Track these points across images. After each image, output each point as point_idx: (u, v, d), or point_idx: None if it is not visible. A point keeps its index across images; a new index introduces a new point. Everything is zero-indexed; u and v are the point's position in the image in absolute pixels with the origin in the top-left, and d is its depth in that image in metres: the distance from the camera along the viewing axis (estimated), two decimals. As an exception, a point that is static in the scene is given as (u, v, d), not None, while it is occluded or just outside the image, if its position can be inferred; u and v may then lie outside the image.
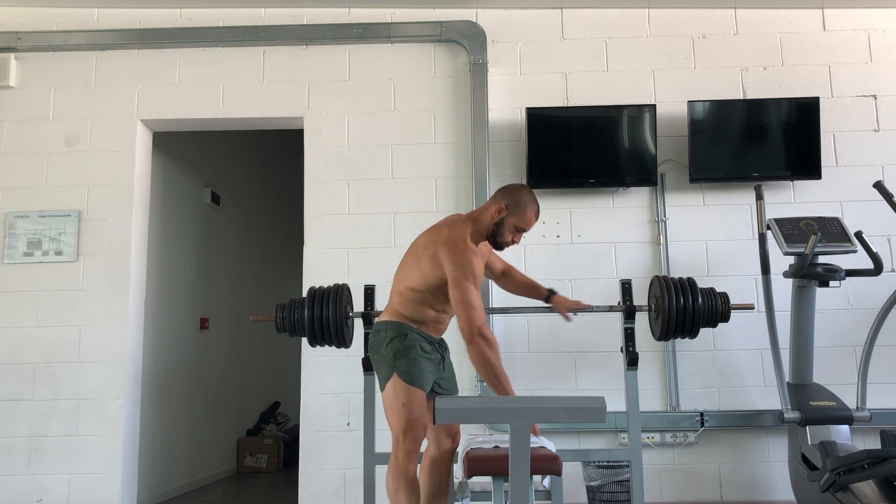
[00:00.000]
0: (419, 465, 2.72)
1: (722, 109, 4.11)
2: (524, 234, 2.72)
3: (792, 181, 4.10)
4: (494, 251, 2.87)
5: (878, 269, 3.43)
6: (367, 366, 2.92)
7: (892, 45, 4.26)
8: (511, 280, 3.07)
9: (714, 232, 4.11)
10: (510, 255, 3.15)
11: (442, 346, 2.79)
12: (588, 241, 4.11)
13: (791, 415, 3.38)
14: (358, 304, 3.08)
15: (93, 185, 4.19)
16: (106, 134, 4.25)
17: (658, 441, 3.94)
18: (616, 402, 3.24)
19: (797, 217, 3.56)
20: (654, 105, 4.11)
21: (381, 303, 3.05)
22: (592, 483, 3.68)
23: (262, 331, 5.89)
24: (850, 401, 3.49)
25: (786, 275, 3.49)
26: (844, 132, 4.16)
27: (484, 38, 4.23)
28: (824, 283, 3.39)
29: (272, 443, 5.89)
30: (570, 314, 3.02)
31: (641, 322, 3.05)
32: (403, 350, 2.59)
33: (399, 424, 2.58)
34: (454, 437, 2.75)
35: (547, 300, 3.05)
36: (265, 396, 6.34)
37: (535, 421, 2.12)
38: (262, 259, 6.48)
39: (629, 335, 2.92)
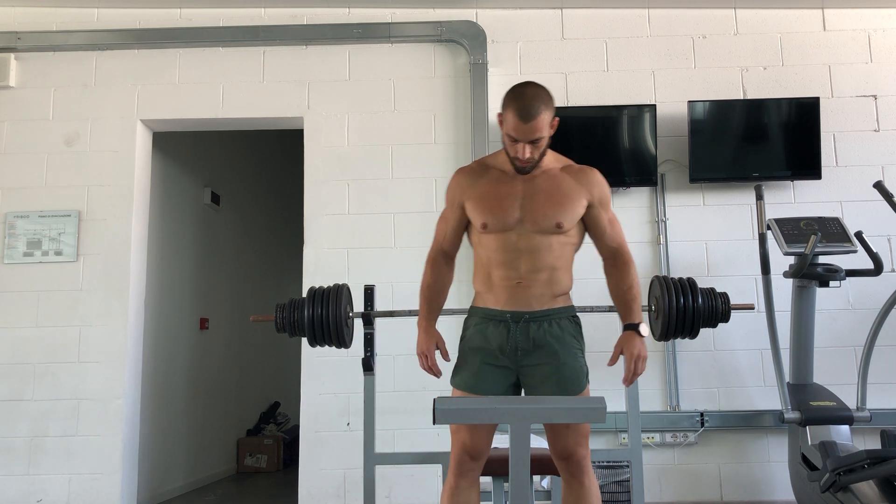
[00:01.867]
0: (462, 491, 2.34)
1: (722, 109, 4.11)
2: (530, 147, 2.23)
3: (792, 181, 4.10)
4: (604, 208, 2.36)
5: (878, 269, 3.43)
6: (367, 366, 2.92)
7: (892, 45, 4.26)
8: (614, 277, 2.44)
9: (714, 232, 4.11)
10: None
11: (521, 321, 2.28)
12: (588, 241, 4.09)
13: (791, 415, 3.38)
14: (358, 304, 3.08)
15: (93, 185, 4.19)
16: (106, 134, 4.25)
17: (658, 441, 3.94)
18: (616, 402, 3.23)
19: (797, 217, 3.56)
20: (654, 105, 4.11)
21: (380, 303, 3.05)
22: (592, 483, 3.68)
23: (262, 331, 5.89)
24: (850, 401, 3.49)
25: (786, 275, 3.49)
26: (844, 132, 4.16)
27: (484, 38, 4.23)
28: (824, 283, 3.39)
29: (272, 443, 5.89)
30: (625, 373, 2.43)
31: (641, 322, 3.04)
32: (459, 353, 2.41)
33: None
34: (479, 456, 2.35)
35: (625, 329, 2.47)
36: (265, 396, 6.34)
37: (536, 421, 2.12)
38: (261, 259, 6.48)
39: (629, 335, 2.91)
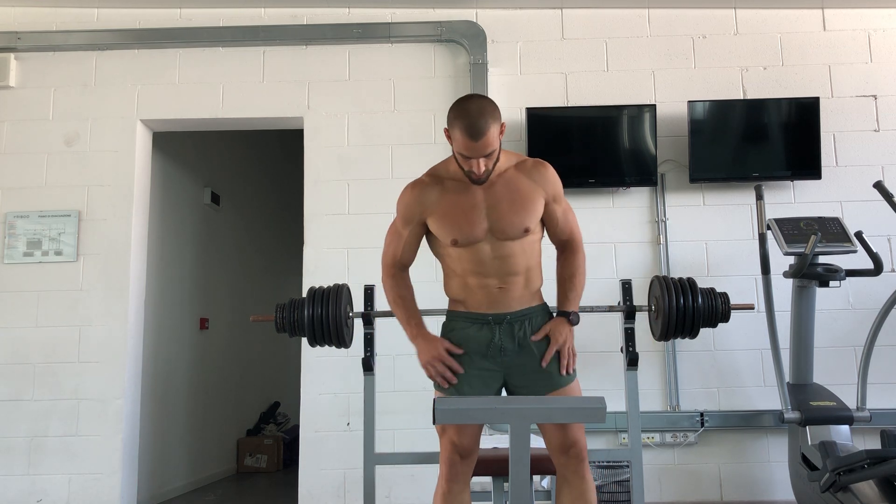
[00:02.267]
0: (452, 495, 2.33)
1: (722, 109, 4.11)
2: (483, 160, 2.18)
3: (792, 181, 4.10)
4: (558, 202, 2.36)
5: (878, 269, 3.43)
6: (367, 366, 2.92)
7: (892, 45, 4.26)
8: (560, 264, 2.47)
9: (714, 232, 4.11)
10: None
11: (503, 322, 2.29)
12: (588, 241, 3.98)
13: (791, 415, 3.38)
14: (358, 304, 3.07)
15: (93, 185, 4.19)
16: (106, 134, 4.25)
17: (658, 441, 3.94)
18: (616, 402, 3.23)
19: (797, 217, 3.56)
20: (654, 105, 4.11)
21: (380, 303, 3.05)
22: (592, 483, 3.68)
23: (262, 331, 5.89)
24: (850, 401, 3.49)
25: (786, 275, 3.49)
26: (844, 132, 4.16)
27: (484, 38, 4.23)
28: (824, 283, 3.39)
29: (272, 443, 5.89)
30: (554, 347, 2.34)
31: (641, 322, 3.04)
32: None
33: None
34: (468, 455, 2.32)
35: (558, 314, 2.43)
36: (265, 396, 6.34)
37: (536, 421, 2.12)
38: (261, 259, 6.48)
39: (629, 335, 2.91)
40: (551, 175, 2.35)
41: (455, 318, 2.39)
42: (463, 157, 2.20)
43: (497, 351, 2.32)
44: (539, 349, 2.33)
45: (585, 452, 2.31)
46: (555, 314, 2.42)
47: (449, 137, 2.23)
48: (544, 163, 2.36)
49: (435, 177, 2.36)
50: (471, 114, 2.16)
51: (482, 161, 2.19)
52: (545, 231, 2.44)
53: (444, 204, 2.31)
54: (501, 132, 2.23)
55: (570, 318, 2.38)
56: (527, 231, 2.29)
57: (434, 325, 2.46)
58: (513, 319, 2.32)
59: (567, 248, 2.44)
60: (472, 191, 2.28)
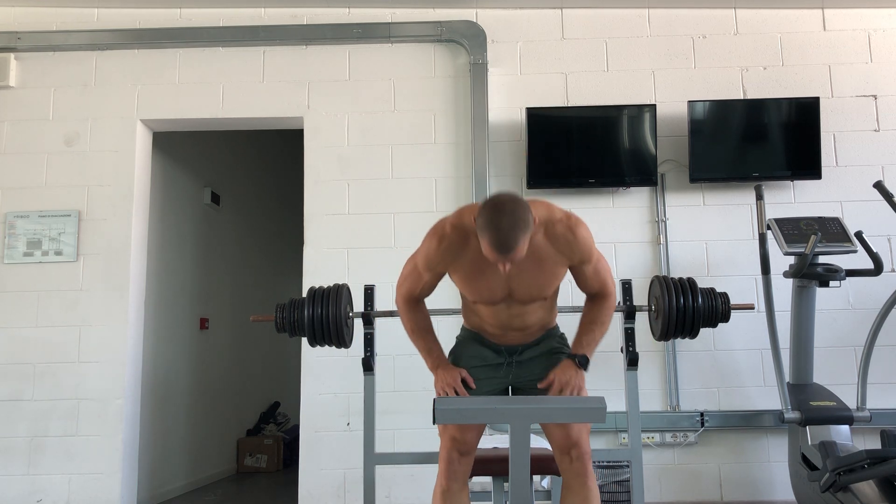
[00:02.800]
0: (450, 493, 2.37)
1: (722, 109, 4.11)
2: (510, 262, 2.10)
3: (792, 181, 4.10)
4: (587, 262, 2.33)
5: (878, 269, 3.43)
6: (367, 366, 2.92)
7: (892, 45, 4.26)
8: (587, 307, 2.47)
9: (714, 232, 4.11)
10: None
11: (515, 352, 2.41)
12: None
13: (791, 415, 3.38)
14: (358, 304, 3.07)
15: (93, 185, 4.19)
16: (106, 134, 4.25)
17: (658, 441, 3.94)
18: (616, 402, 3.22)
19: (797, 217, 3.56)
20: (654, 105, 4.11)
21: (380, 303, 3.06)
22: (592, 483, 3.68)
23: (262, 331, 5.89)
24: (850, 401, 3.49)
25: (786, 275, 3.49)
26: (844, 132, 4.16)
27: (484, 38, 4.23)
28: (824, 283, 3.39)
29: (272, 443, 5.89)
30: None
31: (641, 322, 3.05)
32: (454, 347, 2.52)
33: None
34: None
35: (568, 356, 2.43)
36: (265, 396, 6.34)
37: (536, 421, 2.12)
38: (261, 259, 6.48)
39: (629, 335, 2.91)
40: (581, 242, 2.25)
41: (469, 335, 2.49)
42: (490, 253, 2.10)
43: (505, 368, 2.43)
44: (550, 349, 2.44)
45: (588, 457, 2.29)
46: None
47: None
48: (574, 228, 2.24)
49: (462, 231, 2.24)
50: (502, 228, 2.03)
51: (509, 263, 2.10)
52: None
53: (466, 265, 2.26)
54: (534, 231, 2.13)
55: (577, 360, 2.35)
56: (545, 298, 2.35)
57: (437, 325, 2.49)
58: (524, 348, 2.44)
59: (598, 297, 2.43)
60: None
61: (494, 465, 2.56)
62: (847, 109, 4.18)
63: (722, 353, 4.01)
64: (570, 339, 2.45)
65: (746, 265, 4.01)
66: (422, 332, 2.45)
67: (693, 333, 2.81)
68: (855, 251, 3.42)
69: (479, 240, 2.11)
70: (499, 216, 2.05)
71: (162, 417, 4.73)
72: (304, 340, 3.07)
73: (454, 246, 2.25)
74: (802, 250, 3.32)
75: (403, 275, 2.45)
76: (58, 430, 3.99)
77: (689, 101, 4.08)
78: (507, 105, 4.22)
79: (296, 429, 4.83)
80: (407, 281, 2.43)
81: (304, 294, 2.98)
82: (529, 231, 2.08)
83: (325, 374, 4.02)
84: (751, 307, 3.03)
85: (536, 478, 3.00)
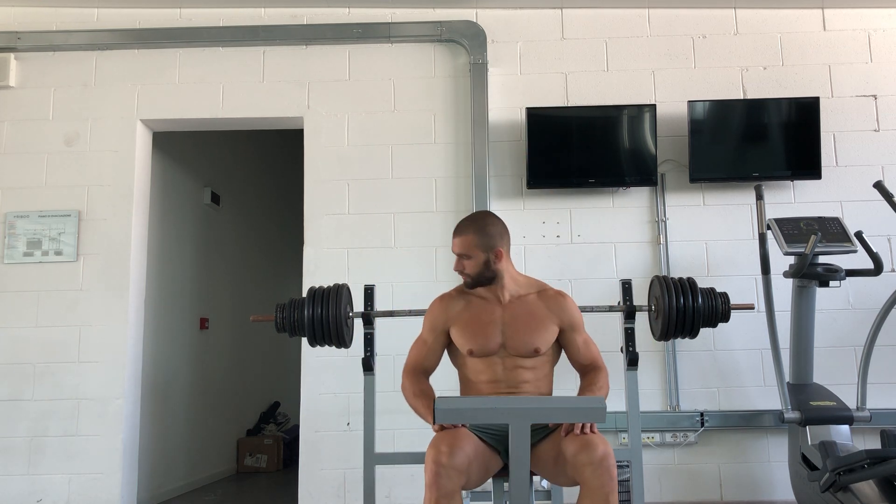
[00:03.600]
0: None
1: (722, 109, 4.11)
2: (461, 260, 2.50)
3: (792, 181, 4.10)
4: (576, 331, 2.54)
5: (878, 269, 3.43)
6: (367, 366, 2.92)
7: (892, 45, 4.26)
8: (582, 380, 2.57)
9: (714, 232, 4.11)
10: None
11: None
12: (588, 241, 4.12)
13: (791, 415, 3.38)
14: (358, 304, 3.08)
15: (93, 185, 4.19)
16: (106, 134, 4.25)
17: (658, 441, 3.94)
18: (616, 402, 3.24)
19: (797, 217, 3.56)
20: (654, 105, 4.10)
21: (380, 303, 3.06)
22: (592, 483, 3.68)
23: (262, 331, 5.89)
24: (850, 401, 3.49)
25: (786, 275, 3.49)
26: (844, 132, 4.16)
27: (484, 38, 4.23)
28: (824, 283, 3.39)
29: (272, 443, 5.89)
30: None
31: (641, 322, 3.05)
32: None
33: None
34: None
35: None
36: (265, 396, 6.34)
37: (536, 421, 2.12)
38: (262, 259, 6.48)
39: (629, 335, 2.92)
40: (569, 306, 2.55)
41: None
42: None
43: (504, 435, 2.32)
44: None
45: (612, 459, 2.11)
46: None
47: None
48: (564, 294, 2.58)
49: (462, 292, 2.59)
50: (467, 217, 2.57)
51: (457, 260, 2.50)
52: (564, 356, 2.60)
53: (465, 316, 2.53)
54: (497, 255, 2.47)
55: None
56: (536, 351, 2.46)
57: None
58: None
59: (590, 371, 2.56)
60: (492, 308, 2.51)
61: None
62: (847, 109, 4.18)
63: (722, 353, 4.01)
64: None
65: (746, 265, 4.01)
66: (423, 394, 2.49)
67: (693, 333, 2.81)
68: (855, 251, 3.42)
69: (475, 297, 2.52)
70: (476, 212, 2.62)
71: (162, 417, 4.73)
72: (304, 340, 3.07)
73: (454, 302, 2.58)
74: (802, 250, 3.32)
75: (409, 354, 2.60)
76: (58, 430, 3.99)
77: (689, 101, 4.08)
78: (507, 105, 4.22)
79: (296, 429, 4.83)
80: (412, 354, 2.59)
81: (304, 294, 2.98)
82: (484, 235, 2.47)
83: (324, 374, 4.02)
84: (751, 307, 3.04)
85: (536, 478, 3.00)
